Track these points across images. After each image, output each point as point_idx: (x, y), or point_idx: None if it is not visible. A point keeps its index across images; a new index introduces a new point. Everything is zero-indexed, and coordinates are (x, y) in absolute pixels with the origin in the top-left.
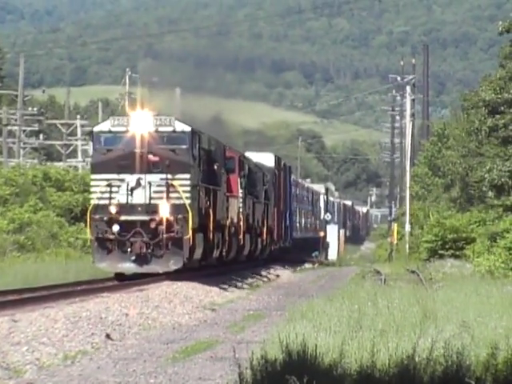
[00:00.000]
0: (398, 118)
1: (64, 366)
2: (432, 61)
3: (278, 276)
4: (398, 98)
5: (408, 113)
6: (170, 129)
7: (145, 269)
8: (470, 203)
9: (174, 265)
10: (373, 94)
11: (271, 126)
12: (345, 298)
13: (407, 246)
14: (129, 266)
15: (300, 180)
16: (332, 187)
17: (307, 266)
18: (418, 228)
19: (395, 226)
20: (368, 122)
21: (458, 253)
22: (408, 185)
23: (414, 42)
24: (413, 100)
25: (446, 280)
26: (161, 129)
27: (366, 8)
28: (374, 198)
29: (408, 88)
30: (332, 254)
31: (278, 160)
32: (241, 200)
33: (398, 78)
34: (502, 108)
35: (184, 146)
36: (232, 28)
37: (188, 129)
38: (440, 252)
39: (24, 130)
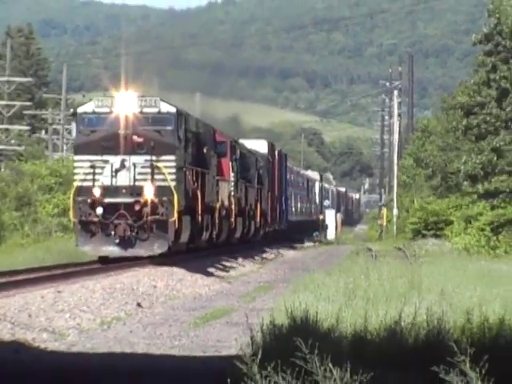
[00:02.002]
0: (386, 117)
1: (101, 330)
2: (416, 69)
3: (282, 254)
4: (387, 100)
5: (395, 113)
6: (155, 110)
7: (129, 252)
8: (449, 191)
9: (158, 248)
10: (365, 97)
11: (279, 125)
12: (341, 271)
13: (395, 228)
14: (112, 250)
15: (295, 168)
16: (330, 176)
17: (307, 244)
18: (404, 212)
19: (385, 210)
20: (361, 121)
21: (438, 233)
22: (395, 175)
23: (401, 52)
24: (399, 102)
25: (428, 256)
26: (146, 110)
27: (359, 24)
28: (366, 187)
29: (395, 92)
30: (330, 234)
31: (271, 147)
32: (232, 183)
33: (387, 84)
34: (476, 110)
35: (169, 128)
36: (245, 41)
37: (173, 110)
38: (423, 232)
39: (66, 129)
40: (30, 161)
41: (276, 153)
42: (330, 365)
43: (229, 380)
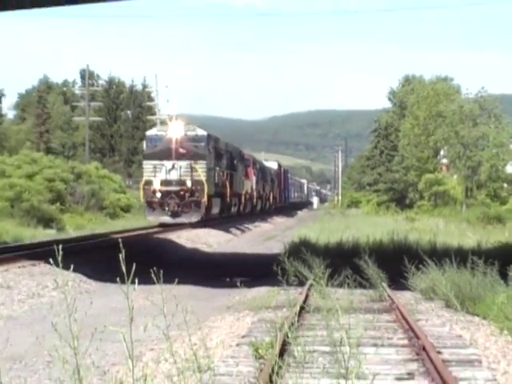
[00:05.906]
0: (337, 161)
1: (226, 244)
2: (349, 144)
3: (293, 216)
4: (336, 154)
5: (339, 159)
6: (194, 133)
7: (176, 220)
8: (361, 190)
9: (195, 218)
10: (329, 153)
11: (293, 163)
12: (319, 221)
13: (340, 204)
14: (167, 219)
15: (295, 177)
16: (315, 183)
17: (305, 210)
18: (344, 198)
19: (336, 197)
20: (326, 163)
21: (356, 206)
22: (340, 184)
23: (341, 139)
24: (342, 156)
25: (352, 215)
26: (188, 133)
27: (323, 128)
28: (328, 188)
29: (340, 151)
30: (315, 207)
31: (279, 165)
32: (254, 181)
33: (336, 148)
34: (371, 157)
35: (202, 144)
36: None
37: (205, 133)
38: (350, 206)
39: None
40: None
41: (282, 168)
42: (314, 257)
43: (275, 263)
